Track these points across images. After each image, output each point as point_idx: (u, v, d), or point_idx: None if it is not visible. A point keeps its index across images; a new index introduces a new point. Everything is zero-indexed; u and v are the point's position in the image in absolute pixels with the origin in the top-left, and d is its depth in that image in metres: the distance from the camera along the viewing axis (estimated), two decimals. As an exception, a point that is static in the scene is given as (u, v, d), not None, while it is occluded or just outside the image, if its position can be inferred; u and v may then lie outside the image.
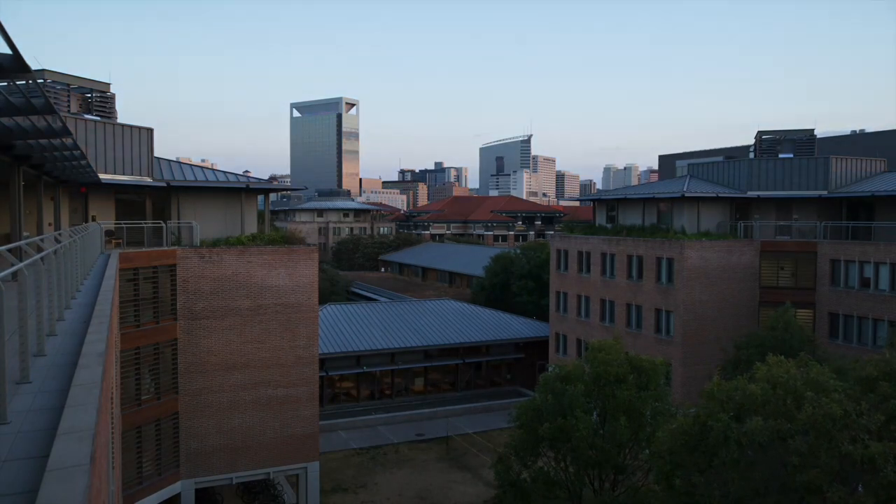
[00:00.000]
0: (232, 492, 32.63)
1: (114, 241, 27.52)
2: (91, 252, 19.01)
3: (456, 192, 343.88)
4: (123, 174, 28.15)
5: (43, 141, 13.12)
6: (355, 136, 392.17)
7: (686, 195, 41.46)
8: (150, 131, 29.25)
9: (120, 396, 20.23)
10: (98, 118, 28.18)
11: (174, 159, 33.70)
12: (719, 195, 42.20)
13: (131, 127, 28.60)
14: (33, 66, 7.41)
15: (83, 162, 18.42)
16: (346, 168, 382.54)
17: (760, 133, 45.46)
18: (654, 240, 41.46)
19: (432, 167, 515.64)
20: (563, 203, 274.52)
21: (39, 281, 7.75)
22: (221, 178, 31.90)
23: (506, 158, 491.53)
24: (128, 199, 30.46)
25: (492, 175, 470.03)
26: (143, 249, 26.33)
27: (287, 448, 29.88)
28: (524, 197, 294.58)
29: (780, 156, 44.07)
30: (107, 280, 14.93)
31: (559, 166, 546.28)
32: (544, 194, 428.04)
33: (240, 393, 28.77)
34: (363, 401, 50.27)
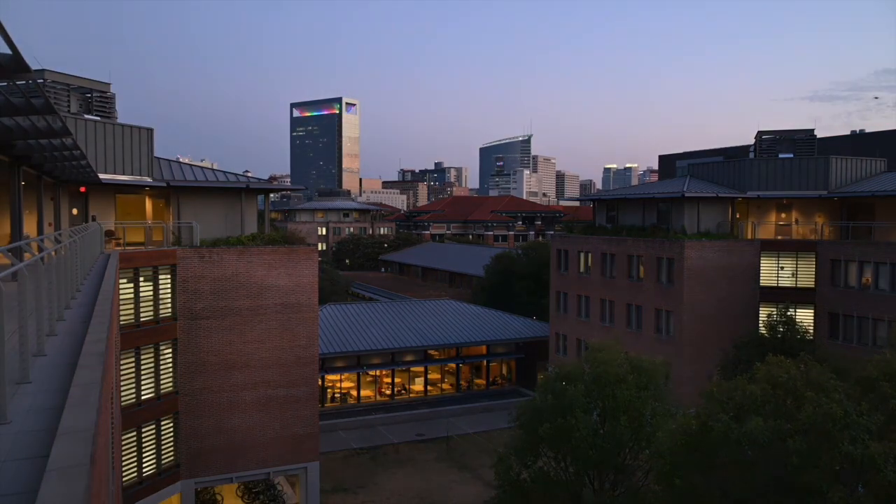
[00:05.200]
0: (232, 492, 32.61)
1: (114, 241, 27.53)
2: (91, 252, 18.99)
3: (456, 192, 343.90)
4: (123, 174, 28.14)
5: (43, 141, 13.12)
6: (355, 135, 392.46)
7: (686, 195, 41.44)
8: (150, 131, 29.25)
9: (120, 396, 20.23)
10: (98, 118, 28.16)
11: (174, 159, 33.69)
12: (719, 195, 42.18)
13: (131, 127, 28.59)
14: (33, 66, 7.40)
15: (83, 162, 18.42)
16: (346, 168, 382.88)
17: (760, 133, 45.44)
18: (654, 240, 41.46)
19: (432, 167, 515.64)
20: (563, 203, 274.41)
21: (39, 281, 7.74)
22: (221, 178, 31.88)
23: (506, 158, 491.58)
24: (128, 199, 30.47)
25: (492, 175, 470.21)
26: (143, 249, 26.32)
27: (287, 448, 29.87)
28: (524, 197, 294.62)
29: (780, 156, 44.04)
30: (107, 280, 14.91)
31: (559, 166, 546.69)
32: (544, 194, 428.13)
33: (240, 393, 28.76)
34: (363, 401, 50.28)
